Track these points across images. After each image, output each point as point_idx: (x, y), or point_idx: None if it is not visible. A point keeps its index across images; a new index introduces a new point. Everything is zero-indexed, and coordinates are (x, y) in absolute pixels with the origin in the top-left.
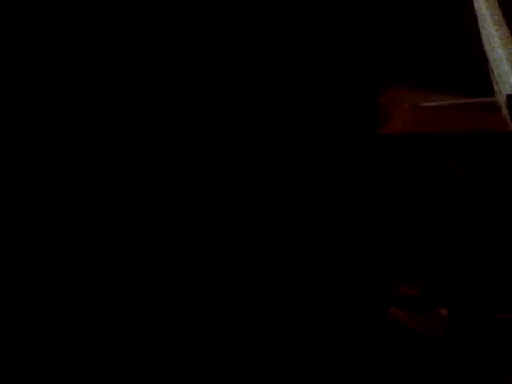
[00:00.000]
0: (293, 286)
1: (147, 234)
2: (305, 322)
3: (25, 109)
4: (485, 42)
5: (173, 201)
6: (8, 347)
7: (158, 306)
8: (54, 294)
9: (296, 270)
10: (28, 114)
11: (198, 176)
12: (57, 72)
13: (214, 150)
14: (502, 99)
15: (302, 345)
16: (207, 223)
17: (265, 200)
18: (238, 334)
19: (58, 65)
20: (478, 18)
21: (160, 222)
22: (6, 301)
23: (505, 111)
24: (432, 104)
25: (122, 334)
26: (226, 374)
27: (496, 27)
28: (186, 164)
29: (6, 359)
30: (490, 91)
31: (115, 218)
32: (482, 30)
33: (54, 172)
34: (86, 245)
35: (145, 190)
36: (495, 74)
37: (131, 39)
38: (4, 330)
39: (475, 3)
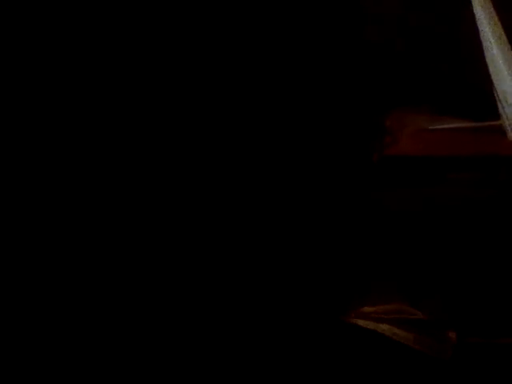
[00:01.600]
0: (285, 295)
1: (147, 234)
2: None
3: (25, 109)
4: (489, 63)
5: (172, 200)
6: (8, 347)
7: (158, 305)
8: (53, 293)
9: (289, 282)
10: (28, 114)
11: (199, 176)
12: (56, 72)
13: (215, 152)
14: (506, 122)
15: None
16: (205, 223)
17: (267, 212)
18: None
19: (57, 65)
20: (483, 41)
21: (160, 221)
22: (5, 301)
23: (510, 134)
24: (439, 127)
25: (122, 334)
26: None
27: (498, 45)
28: (186, 164)
29: (6, 359)
30: (496, 114)
31: (115, 218)
32: (486, 53)
33: (54, 172)
34: (86, 245)
35: (144, 189)
36: (500, 96)
37: (131, 39)
38: (4, 330)
39: (478, 23)
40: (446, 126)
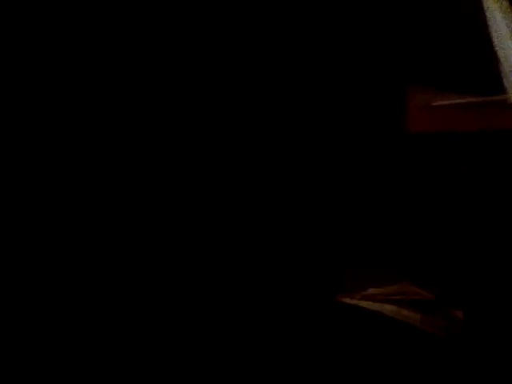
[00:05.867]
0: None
1: (146, 234)
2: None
3: (25, 109)
4: (495, 40)
5: (172, 200)
6: (8, 347)
7: (157, 306)
8: (54, 294)
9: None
10: (28, 114)
11: (201, 176)
12: (56, 72)
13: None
14: None
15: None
16: (206, 223)
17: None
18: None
19: (57, 64)
20: (488, 15)
21: (159, 221)
22: (5, 301)
23: None
24: (443, 103)
25: (122, 335)
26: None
27: (506, 22)
28: (186, 164)
29: (6, 359)
30: (502, 89)
31: (115, 218)
32: (492, 30)
33: (54, 172)
34: (86, 245)
35: (144, 189)
36: (507, 72)
37: (131, 39)
38: (4, 330)
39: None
40: (449, 102)
